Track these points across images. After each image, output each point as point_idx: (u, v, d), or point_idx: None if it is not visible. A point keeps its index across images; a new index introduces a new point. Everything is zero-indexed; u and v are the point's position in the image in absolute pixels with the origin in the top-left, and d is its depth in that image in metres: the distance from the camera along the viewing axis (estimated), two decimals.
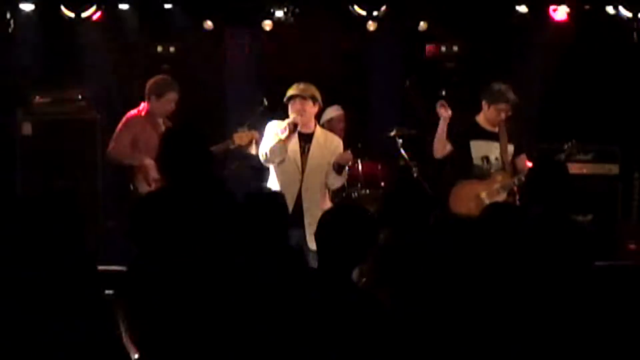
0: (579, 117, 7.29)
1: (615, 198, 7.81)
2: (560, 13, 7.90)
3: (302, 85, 6.21)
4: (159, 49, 8.21)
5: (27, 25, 7.73)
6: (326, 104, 7.97)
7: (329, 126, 7.76)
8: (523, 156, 6.47)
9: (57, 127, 7.53)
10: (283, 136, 6.10)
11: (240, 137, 6.36)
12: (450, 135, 6.43)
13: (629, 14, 7.72)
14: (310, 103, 6.16)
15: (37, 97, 7.63)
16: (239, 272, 3.74)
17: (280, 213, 4.12)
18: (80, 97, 7.64)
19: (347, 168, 6.27)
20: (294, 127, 6.13)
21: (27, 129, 7.57)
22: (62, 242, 3.38)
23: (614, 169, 7.79)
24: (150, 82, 6.51)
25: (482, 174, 6.40)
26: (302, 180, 6.12)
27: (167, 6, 7.86)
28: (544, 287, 3.59)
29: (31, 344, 3.13)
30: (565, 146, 6.44)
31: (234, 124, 6.69)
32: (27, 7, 7.64)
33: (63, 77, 7.86)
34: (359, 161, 7.28)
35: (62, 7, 7.55)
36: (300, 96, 6.14)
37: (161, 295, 3.49)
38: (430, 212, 4.18)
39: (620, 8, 7.73)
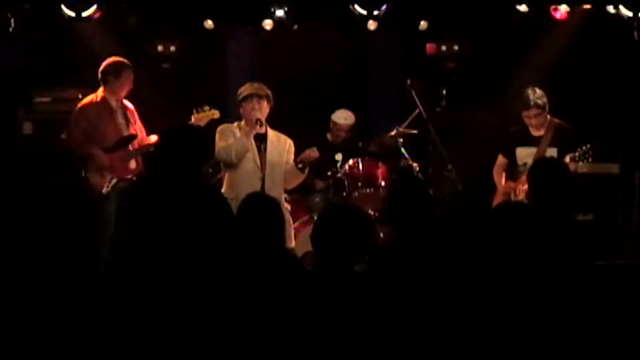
0: (579, 116, 7.27)
1: (615, 197, 7.81)
2: (560, 12, 7.90)
3: (256, 85, 6.34)
4: (160, 48, 8.22)
5: (27, 25, 7.73)
6: (328, 103, 8.02)
7: (334, 127, 7.79)
8: (566, 158, 6.53)
9: (58, 126, 7.50)
10: (247, 131, 6.20)
11: (199, 117, 6.46)
12: (501, 144, 6.90)
13: (630, 13, 7.72)
14: (265, 102, 6.29)
15: (38, 97, 7.64)
16: (237, 274, 3.74)
17: (277, 215, 4.12)
18: (80, 96, 7.63)
19: (307, 168, 6.35)
20: (258, 123, 6.21)
21: (27, 128, 7.58)
22: (66, 241, 3.39)
23: (614, 168, 7.79)
24: (104, 65, 6.68)
25: (520, 177, 6.72)
26: (263, 178, 6.22)
27: (168, 5, 7.85)
28: (545, 286, 3.58)
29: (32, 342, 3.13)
30: (584, 147, 6.48)
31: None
32: (27, 7, 7.63)
33: (63, 76, 7.86)
34: (360, 160, 7.29)
35: (63, 7, 7.54)
36: (256, 95, 6.26)
37: (154, 294, 3.48)
38: (432, 211, 4.18)
39: (621, 7, 7.72)
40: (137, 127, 6.75)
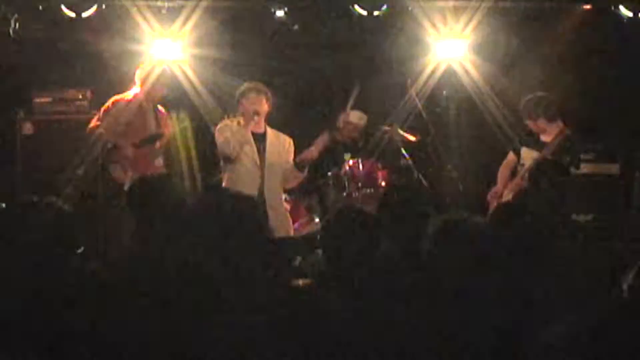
0: (579, 116, 7.28)
1: (615, 197, 7.80)
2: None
3: (253, 83, 6.33)
4: None
5: (28, 25, 7.72)
6: (328, 103, 8.01)
7: (347, 127, 7.70)
8: None
9: (58, 127, 7.54)
10: (245, 124, 6.24)
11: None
12: (512, 141, 6.96)
13: (630, 14, 7.72)
14: (263, 98, 6.29)
15: (38, 97, 7.65)
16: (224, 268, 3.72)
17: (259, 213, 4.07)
18: (80, 97, 7.66)
19: (306, 167, 6.35)
20: (255, 113, 6.22)
21: (27, 128, 7.59)
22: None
23: (614, 168, 7.79)
24: (142, 67, 6.77)
25: (514, 178, 6.76)
26: (262, 178, 6.21)
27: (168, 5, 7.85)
28: (545, 286, 3.58)
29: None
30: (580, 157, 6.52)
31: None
32: (27, 7, 7.63)
33: (63, 76, 7.86)
34: (359, 160, 7.28)
35: (63, 7, 7.54)
36: (255, 89, 6.27)
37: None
38: (427, 216, 4.14)
39: (621, 8, 7.73)
40: (167, 130, 6.84)
